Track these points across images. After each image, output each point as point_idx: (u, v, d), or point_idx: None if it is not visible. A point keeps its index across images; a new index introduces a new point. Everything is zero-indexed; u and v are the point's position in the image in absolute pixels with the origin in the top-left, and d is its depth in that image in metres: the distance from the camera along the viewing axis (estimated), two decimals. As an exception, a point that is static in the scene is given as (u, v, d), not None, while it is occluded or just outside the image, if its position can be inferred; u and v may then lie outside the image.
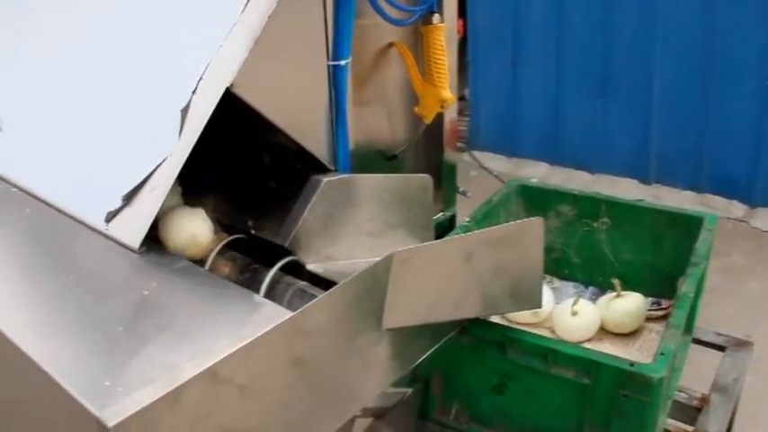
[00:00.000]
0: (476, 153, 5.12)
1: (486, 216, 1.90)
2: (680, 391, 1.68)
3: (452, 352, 1.41)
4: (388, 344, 1.11)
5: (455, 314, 1.20)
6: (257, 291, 1.15)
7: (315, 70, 1.31)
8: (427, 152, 1.80)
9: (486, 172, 4.91)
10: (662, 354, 1.25)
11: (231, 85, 1.14)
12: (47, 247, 1.17)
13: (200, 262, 1.23)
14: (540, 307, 1.35)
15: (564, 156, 4.65)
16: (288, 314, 0.92)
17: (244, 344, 0.85)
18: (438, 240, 1.12)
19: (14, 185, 1.43)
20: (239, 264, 1.29)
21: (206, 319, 0.93)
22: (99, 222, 1.19)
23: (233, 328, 0.89)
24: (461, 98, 5.76)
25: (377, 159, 1.67)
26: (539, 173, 4.75)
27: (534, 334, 1.37)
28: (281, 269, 1.23)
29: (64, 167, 1.36)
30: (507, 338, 1.35)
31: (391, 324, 1.09)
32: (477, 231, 1.17)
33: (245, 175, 1.52)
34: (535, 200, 2.04)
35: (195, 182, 1.49)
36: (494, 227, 1.17)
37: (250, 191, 1.49)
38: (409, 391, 1.54)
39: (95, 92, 1.40)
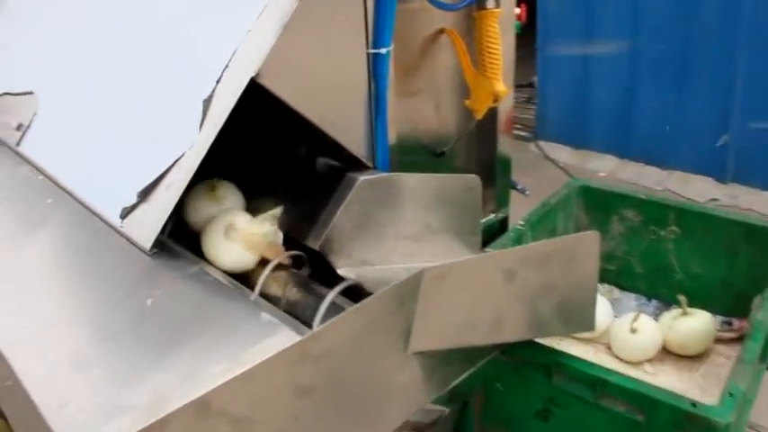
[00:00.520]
0: (542, 143, 4.92)
1: (542, 219, 1.76)
2: (750, 428, 1.51)
3: (494, 372, 1.29)
4: (416, 368, 1.00)
5: (493, 338, 1.08)
6: (313, 314, 1.05)
7: (352, 59, 1.19)
8: (479, 147, 1.67)
9: (551, 163, 4.72)
10: (730, 394, 1.09)
11: (257, 74, 1.04)
12: (57, 244, 1.10)
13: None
14: (592, 330, 1.21)
15: (634, 149, 4.40)
16: (296, 338, 0.82)
17: (243, 371, 0.75)
18: (475, 256, 1.01)
19: (43, 173, 1.38)
20: (294, 280, 1.17)
21: (206, 338, 0.84)
22: (115, 218, 1.12)
23: (234, 350, 0.80)
24: (530, 85, 5.55)
25: (423, 155, 1.55)
26: (607, 166, 4.52)
27: (582, 360, 1.23)
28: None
29: (88, 159, 1.29)
30: (553, 362, 1.22)
31: (419, 347, 0.98)
32: (520, 247, 1.05)
33: (279, 169, 1.43)
34: (597, 202, 1.88)
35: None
36: (540, 241, 1.04)
37: (284, 187, 1.40)
38: (447, 410, 1.43)
39: (123, 80, 1.33)
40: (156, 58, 1.30)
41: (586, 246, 1.11)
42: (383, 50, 1.21)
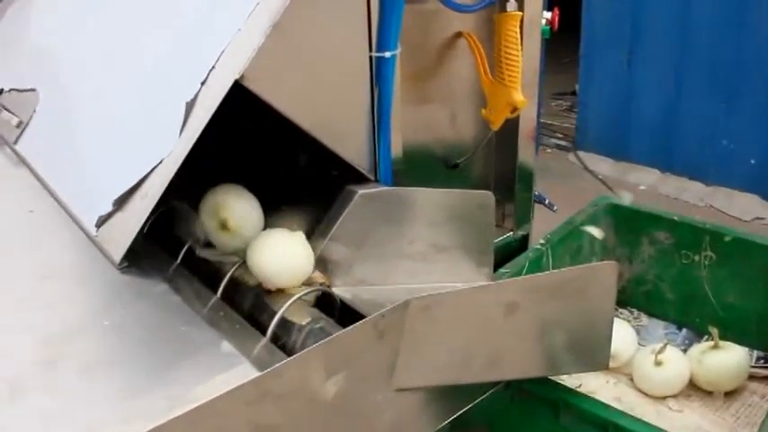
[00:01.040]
0: (581, 153, 4.76)
1: (566, 239, 1.65)
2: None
3: (500, 403, 1.18)
4: (402, 406, 0.90)
5: (492, 375, 0.97)
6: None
7: (352, 62, 1.10)
8: (498, 159, 1.56)
9: (590, 174, 4.55)
10: (759, 450, 0.97)
11: (241, 76, 0.96)
12: (27, 255, 1.04)
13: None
14: (606, 368, 1.09)
15: (678, 163, 4.22)
16: (254, 374, 0.73)
17: (185, 411, 0.66)
18: (470, 287, 0.90)
19: (34, 174, 1.32)
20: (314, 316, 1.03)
21: (157, 370, 0.76)
22: (93, 227, 1.05)
23: (182, 385, 0.72)
24: (573, 93, 5.39)
25: (436, 167, 1.45)
26: (648, 180, 4.34)
27: (593, 400, 1.12)
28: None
29: (75, 162, 1.23)
30: (561, 400, 1.11)
31: (405, 384, 0.88)
32: (524, 277, 0.94)
33: (278, 176, 1.35)
34: (627, 223, 1.76)
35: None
36: (548, 272, 0.94)
37: (282, 196, 1.32)
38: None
39: (117, 81, 1.26)
40: (154, 57, 1.23)
41: (601, 277, 1.00)
42: (387, 54, 1.11)
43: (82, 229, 1.08)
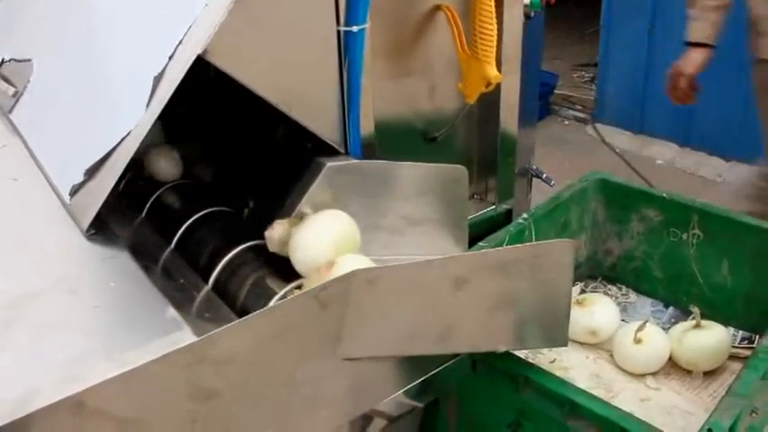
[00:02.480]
0: (599, 126, 4.70)
1: (551, 213, 1.65)
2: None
3: (466, 375, 1.21)
4: (350, 375, 0.93)
5: (442, 348, 0.99)
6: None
7: (319, 36, 1.11)
8: (480, 132, 1.56)
9: (607, 147, 4.50)
10: (709, 430, 0.98)
11: (204, 51, 0.98)
12: (2, 219, 1.08)
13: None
14: (565, 345, 1.10)
15: (697, 138, 4.15)
16: (191, 339, 0.76)
17: (122, 372, 0.70)
18: (417, 261, 0.92)
19: (25, 144, 1.37)
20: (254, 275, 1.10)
21: (104, 333, 0.80)
22: (68, 195, 1.09)
23: (120, 349, 0.75)
24: (595, 65, 5.30)
25: (415, 141, 1.45)
26: (666, 154, 4.28)
27: (552, 376, 1.14)
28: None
29: (58, 132, 1.27)
30: (521, 375, 1.13)
31: (352, 354, 0.91)
32: (474, 252, 0.95)
33: (257, 147, 1.37)
34: (617, 199, 1.75)
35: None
36: (499, 248, 0.95)
37: (259, 167, 1.34)
38: (420, 405, 1.36)
39: (97, 54, 1.29)
40: (134, 32, 1.25)
41: (556, 256, 1.01)
42: (355, 28, 1.12)
43: (59, 197, 1.12)
